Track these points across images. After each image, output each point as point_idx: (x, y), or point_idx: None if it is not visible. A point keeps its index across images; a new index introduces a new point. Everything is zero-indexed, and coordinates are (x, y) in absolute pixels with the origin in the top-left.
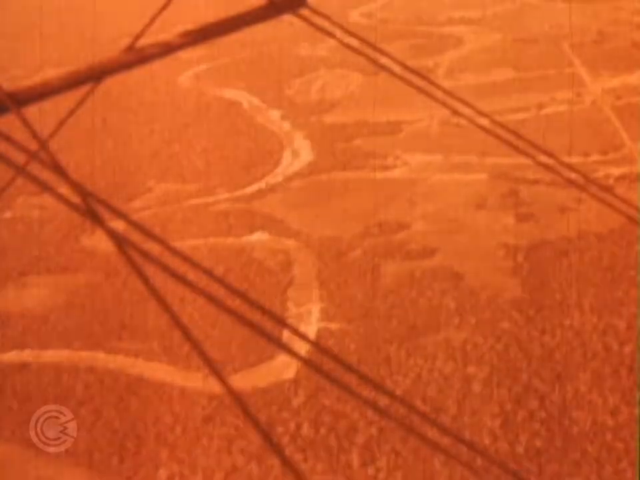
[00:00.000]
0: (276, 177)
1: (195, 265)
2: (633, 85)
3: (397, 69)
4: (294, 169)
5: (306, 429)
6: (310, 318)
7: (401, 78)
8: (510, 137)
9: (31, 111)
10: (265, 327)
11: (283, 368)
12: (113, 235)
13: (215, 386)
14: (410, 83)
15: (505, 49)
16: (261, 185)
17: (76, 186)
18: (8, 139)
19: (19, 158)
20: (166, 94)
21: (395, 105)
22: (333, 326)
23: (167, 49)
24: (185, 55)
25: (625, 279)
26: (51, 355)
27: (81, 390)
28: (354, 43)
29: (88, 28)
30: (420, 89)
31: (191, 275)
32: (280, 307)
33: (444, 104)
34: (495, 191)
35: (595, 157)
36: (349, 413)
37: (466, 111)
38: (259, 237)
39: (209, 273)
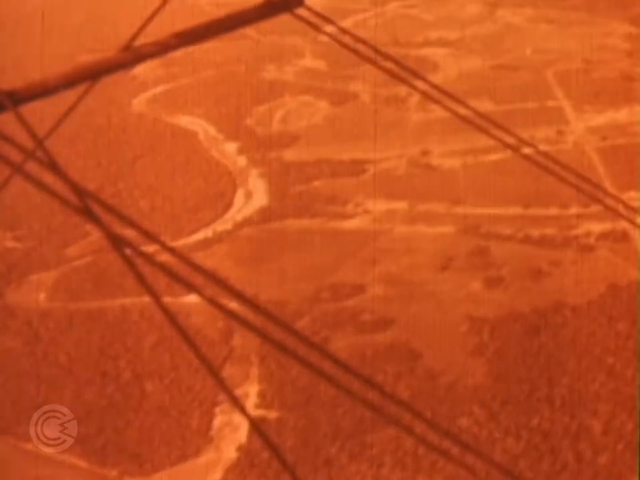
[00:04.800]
0: (225, 223)
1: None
2: (620, 123)
3: (366, 97)
4: (245, 214)
5: None
6: (246, 402)
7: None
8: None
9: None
10: (193, 416)
11: (209, 468)
12: (110, 235)
13: None
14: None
15: (483, 76)
16: (208, 232)
17: (72, 185)
18: (5, 137)
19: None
20: (118, 120)
21: (361, 140)
22: (271, 415)
23: (163, 49)
24: (143, 74)
25: (602, 367)
26: None
27: None
28: (322, 66)
29: (87, 28)
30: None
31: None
32: (214, 387)
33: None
34: (462, 248)
35: (574, 210)
36: None
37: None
38: (198, 298)
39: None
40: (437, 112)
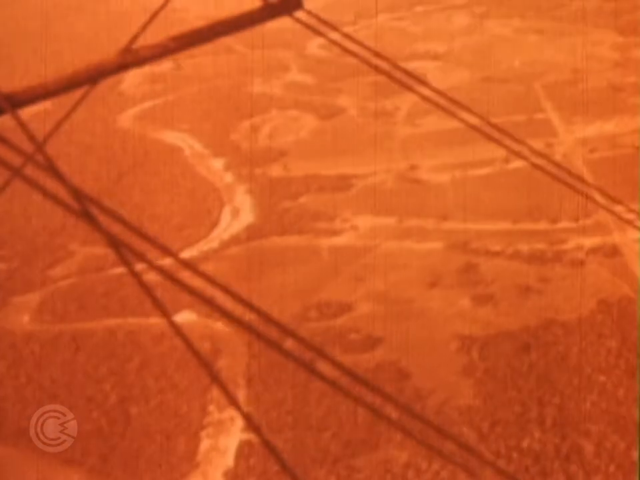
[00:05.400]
0: (211, 241)
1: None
2: (609, 135)
3: (353, 111)
4: (231, 232)
5: None
6: (232, 427)
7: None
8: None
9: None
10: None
11: None
12: (110, 238)
13: None
14: None
15: (471, 89)
16: (194, 251)
17: (71, 188)
18: (4, 140)
19: (16, 160)
20: (103, 137)
21: (348, 155)
22: (257, 439)
23: (162, 51)
24: (129, 90)
25: (593, 386)
26: None
27: None
28: (309, 79)
29: (91, 31)
30: None
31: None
32: (200, 410)
33: None
34: (450, 264)
35: (563, 224)
36: None
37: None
38: (185, 317)
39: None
40: (425, 126)
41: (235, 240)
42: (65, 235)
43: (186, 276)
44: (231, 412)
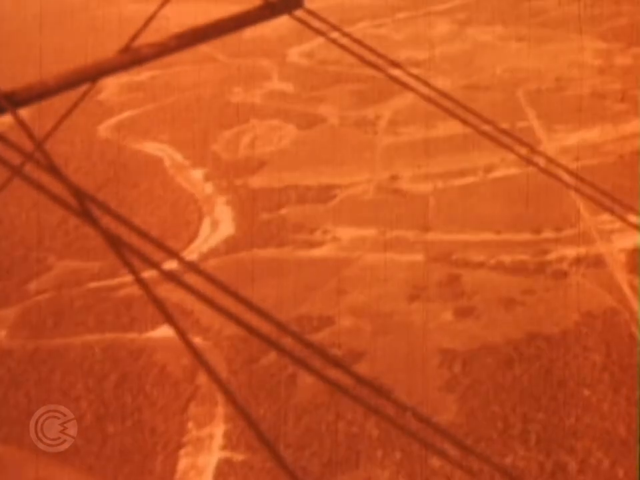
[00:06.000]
0: (190, 254)
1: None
2: (592, 143)
3: (334, 120)
4: (211, 245)
5: None
6: (211, 444)
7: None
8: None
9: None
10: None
11: None
12: (108, 236)
13: None
14: None
15: (452, 96)
16: (172, 264)
17: (71, 186)
18: (4, 139)
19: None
20: (82, 148)
21: (329, 165)
22: (236, 457)
23: (162, 50)
24: (109, 100)
25: (578, 401)
26: None
27: None
28: (290, 88)
29: (87, 30)
30: None
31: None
32: (179, 427)
33: None
34: (432, 276)
35: (547, 234)
36: None
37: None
38: (163, 333)
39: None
40: (406, 135)
41: (214, 252)
42: (42, 248)
43: (162, 289)
44: (210, 429)
